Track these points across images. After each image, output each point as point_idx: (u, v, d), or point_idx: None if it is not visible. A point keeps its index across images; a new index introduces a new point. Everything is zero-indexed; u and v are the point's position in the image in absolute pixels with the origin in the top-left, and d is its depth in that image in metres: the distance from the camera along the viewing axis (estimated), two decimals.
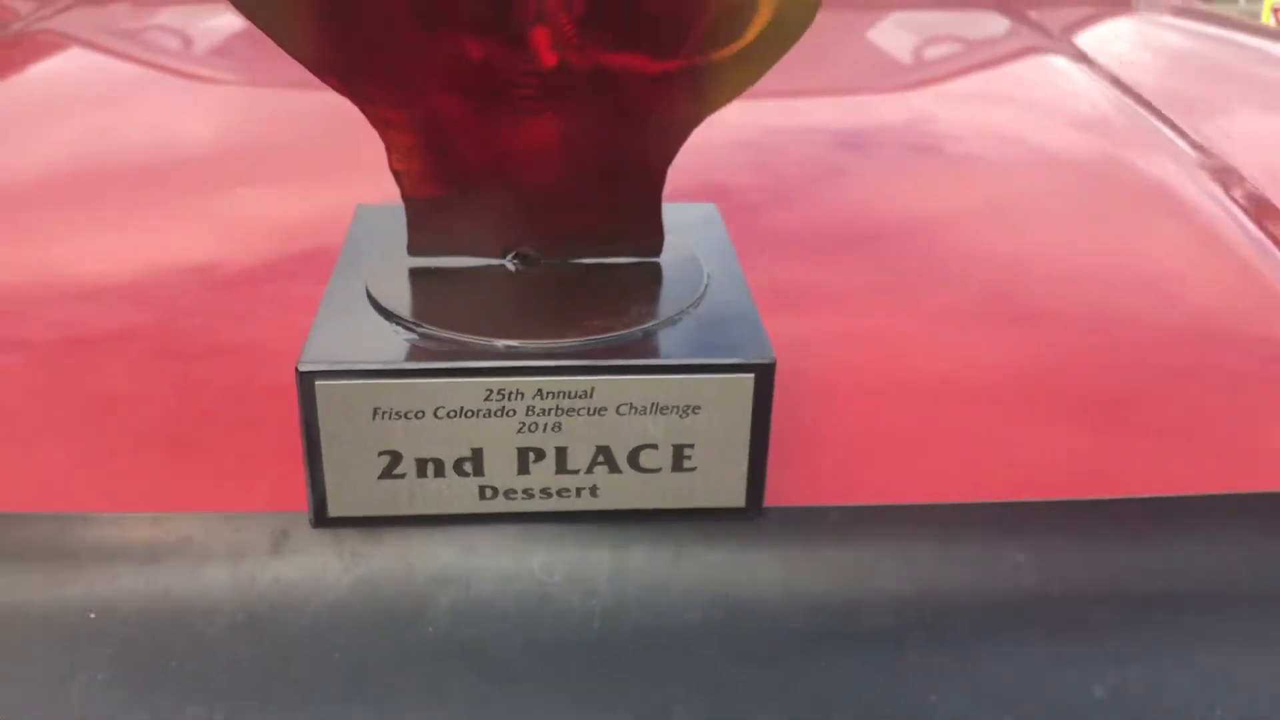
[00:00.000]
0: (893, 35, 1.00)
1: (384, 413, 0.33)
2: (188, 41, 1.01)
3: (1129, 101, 0.80)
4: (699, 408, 0.34)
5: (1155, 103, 0.79)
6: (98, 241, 0.56)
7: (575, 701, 0.33)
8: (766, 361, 0.34)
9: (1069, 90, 0.84)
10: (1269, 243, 0.57)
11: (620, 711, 0.33)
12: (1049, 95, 0.84)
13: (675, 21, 0.33)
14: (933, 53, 0.97)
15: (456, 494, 0.35)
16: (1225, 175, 0.66)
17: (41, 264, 0.53)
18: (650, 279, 0.39)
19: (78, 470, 0.38)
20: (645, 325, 0.36)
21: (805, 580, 0.35)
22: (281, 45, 0.34)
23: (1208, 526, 0.37)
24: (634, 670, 0.33)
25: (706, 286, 0.38)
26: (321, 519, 0.35)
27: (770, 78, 0.35)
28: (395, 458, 0.34)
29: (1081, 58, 0.91)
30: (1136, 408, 0.44)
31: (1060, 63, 0.90)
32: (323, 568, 0.34)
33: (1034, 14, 1.05)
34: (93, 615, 0.33)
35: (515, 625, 0.34)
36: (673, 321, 0.36)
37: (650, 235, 0.40)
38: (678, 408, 0.34)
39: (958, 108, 0.82)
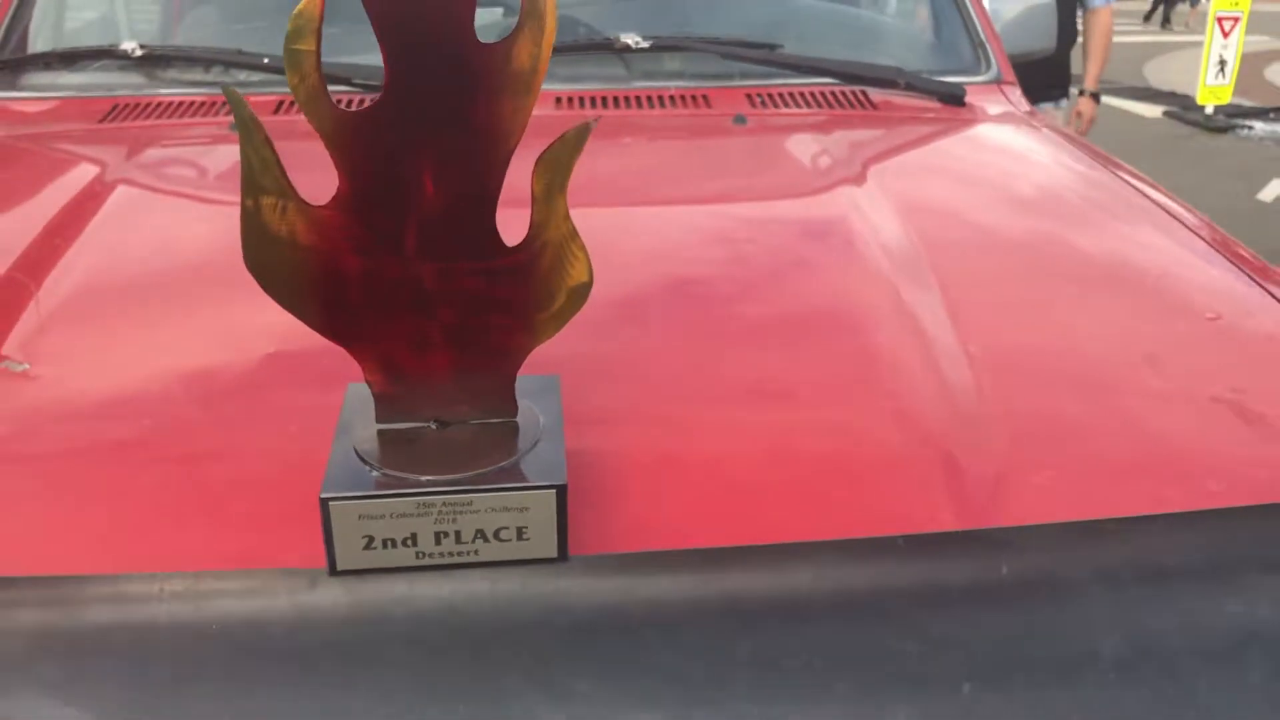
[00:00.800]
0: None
1: (364, 516, 0.65)
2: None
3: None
4: (528, 508, 0.66)
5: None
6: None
7: (468, 667, 0.64)
8: (561, 484, 0.66)
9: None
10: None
11: (512, 677, 0.64)
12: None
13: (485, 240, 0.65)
14: None
15: (403, 558, 0.67)
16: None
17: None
18: (508, 432, 0.71)
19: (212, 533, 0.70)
20: (501, 464, 0.68)
21: (589, 590, 0.67)
22: (293, 314, 0.65)
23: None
24: (504, 645, 0.65)
25: (537, 441, 0.70)
26: (333, 571, 0.67)
27: None
28: (370, 539, 0.66)
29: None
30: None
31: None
32: (332, 597, 0.66)
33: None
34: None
35: (438, 623, 0.65)
36: (515, 461, 0.68)
37: (508, 404, 0.72)
38: (519, 508, 0.66)
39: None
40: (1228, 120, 8.87)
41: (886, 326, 0.95)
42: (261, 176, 0.63)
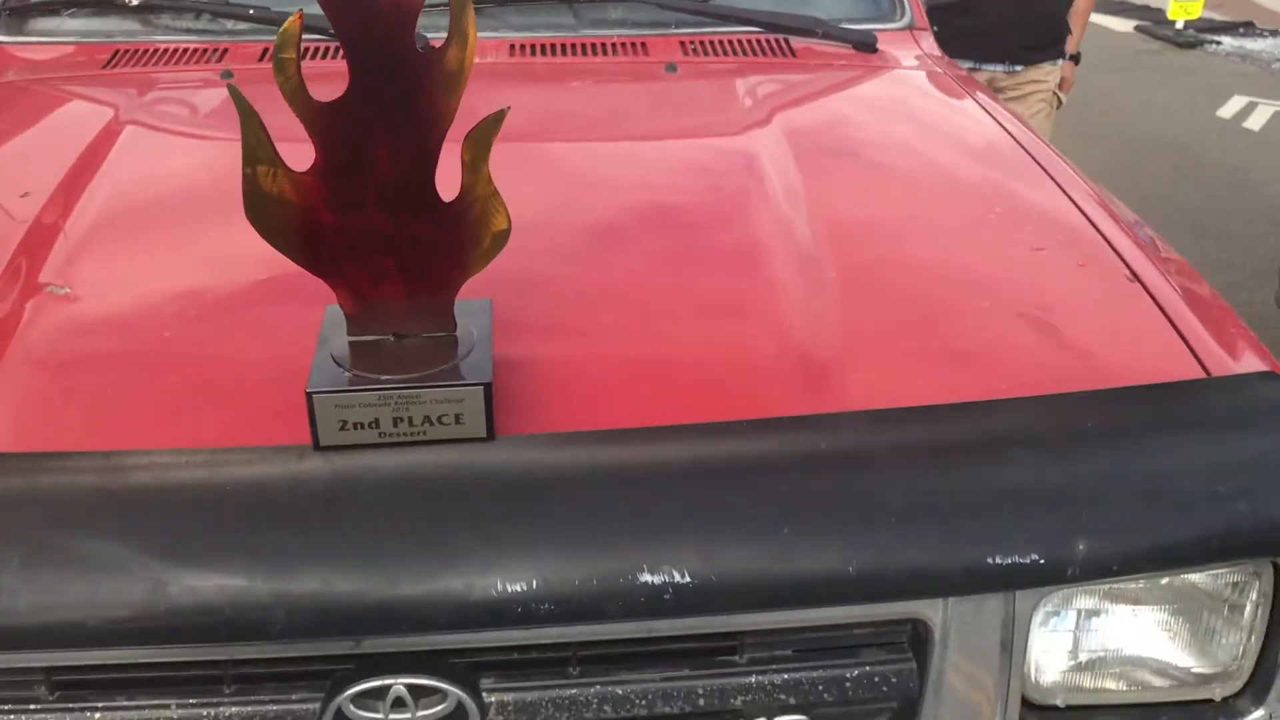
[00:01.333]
0: None
1: (339, 406, 0.87)
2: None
3: None
4: (463, 400, 0.88)
5: None
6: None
7: (419, 517, 0.87)
8: (488, 382, 0.88)
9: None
10: None
11: (451, 523, 0.87)
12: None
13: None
14: None
15: (369, 437, 0.89)
16: None
17: None
18: (448, 344, 0.93)
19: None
20: (442, 367, 0.90)
21: (510, 460, 0.90)
22: (283, 253, 0.87)
23: None
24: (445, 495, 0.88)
25: (472, 349, 0.92)
26: (317, 446, 0.89)
27: None
28: (344, 422, 0.88)
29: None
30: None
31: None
32: (316, 466, 0.88)
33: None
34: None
35: (396, 485, 0.88)
36: (454, 365, 0.90)
37: (448, 321, 0.94)
38: (456, 400, 0.88)
39: None
40: (1197, 35, 9.00)
41: (764, 246, 1.17)
42: (258, 152, 0.84)
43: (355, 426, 0.89)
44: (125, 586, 0.84)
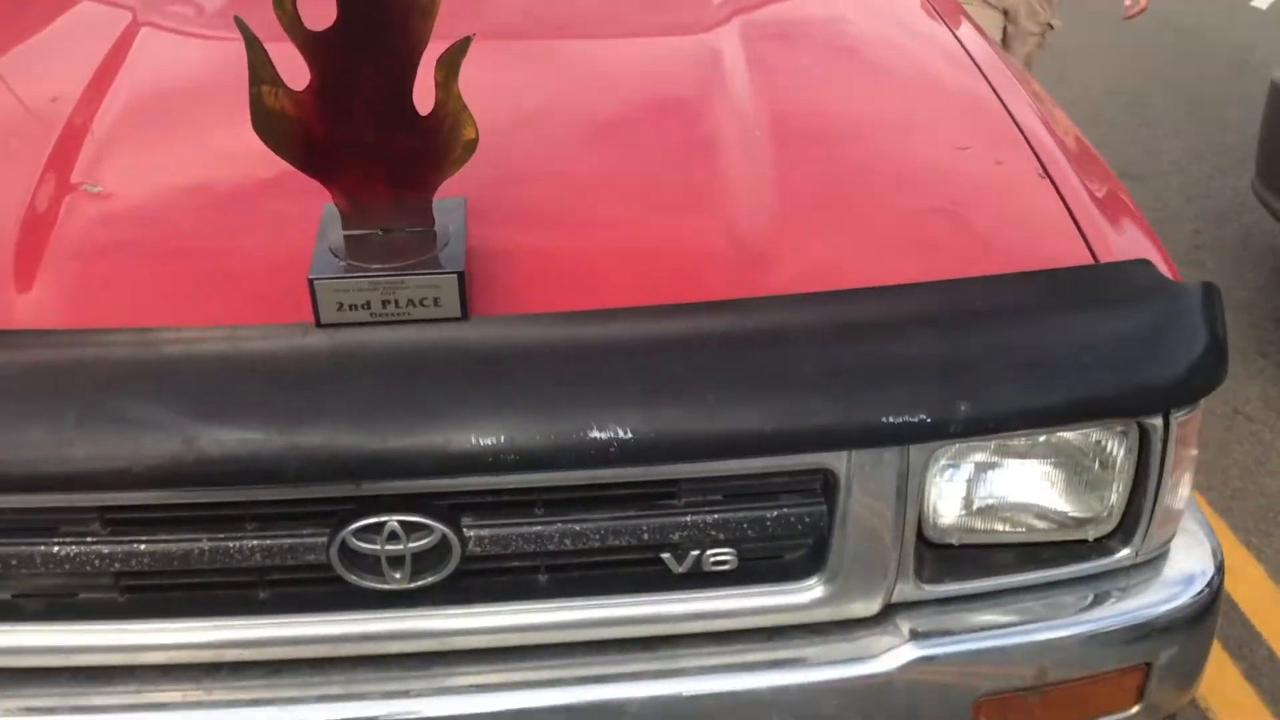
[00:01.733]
0: None
1: (336, 290, 1.04)
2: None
3: None
4: (439, 286, 1.05)
5: None
6: None
7: (404, 385, 1.04)
8: (460, 270, 1.04)
9: None
10: None
11: (430, 389, 1.04)
12: None
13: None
14: None
15: (361, 316, 1.05)
16: None
17: None
18: (428, 237, 1.09)
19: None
20: (422, 258, 1.06)
21: (482, 336, 1.06)
22: (285, 160, 1.02)
23: None
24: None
25: (448, 242, 1.08)
26: (318, 324, 1.06)
27: None
28: (341, 304, 1.05)
29: None
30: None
31: None
32: (318, 340, 1.05)
33: None
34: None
35: (385, 357, 1.05)
36: (433, 256, 1.06)
37: (428, 218, 1.09)
38: (434, 286, 1.05)
39: None
40: None
41: (713, 143, 1.33)
42: (261, 72, 0.99)
43: (350, 308, 1.05)
44: (163, 439, 1.02)
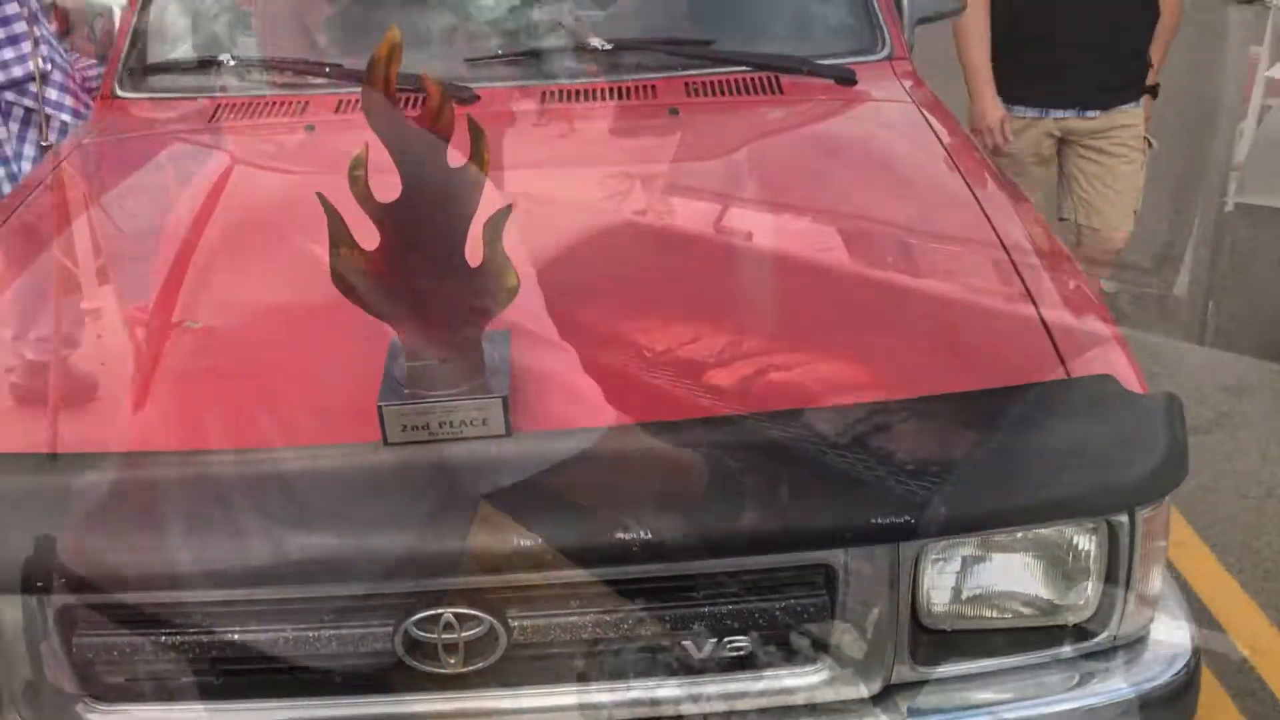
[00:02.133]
0: None
1: (400, 414, 1.23)
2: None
3: None
4: (488, 408, 1.23)
5: None
6: None
7: (458, 488, 1.22)
8: (505, 395, 1.23)
9: None
10: None
11: (479, 490, 1.22)
12: None
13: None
14: None
15: (422, 435, 1.24)
16: None
17: None
18: (478, 366, 1.27)
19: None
20: (471, 384, 1.24)
21: (524, 451, 1.24)
22: (359, 307, 1.22)
23: None
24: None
25: (495, 370, 1.27)
26: (386, 443, 1.24)
27: None
28: (405, 425, 1.23)
29: None
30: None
31: None
32: (387, 456, 1.24)
33: None
34: None
35: (443, 468, 1.23)
36: (482, 383, 1.25)
37: (477, 351, 1.28)
38: (482, 409, 1.23)
39: None
40: None
41: (717, 271, 1.52)
42: (339, 236, 1.19)
43: (412, 429, 1.24)
44: (254, 545, 1.21)
